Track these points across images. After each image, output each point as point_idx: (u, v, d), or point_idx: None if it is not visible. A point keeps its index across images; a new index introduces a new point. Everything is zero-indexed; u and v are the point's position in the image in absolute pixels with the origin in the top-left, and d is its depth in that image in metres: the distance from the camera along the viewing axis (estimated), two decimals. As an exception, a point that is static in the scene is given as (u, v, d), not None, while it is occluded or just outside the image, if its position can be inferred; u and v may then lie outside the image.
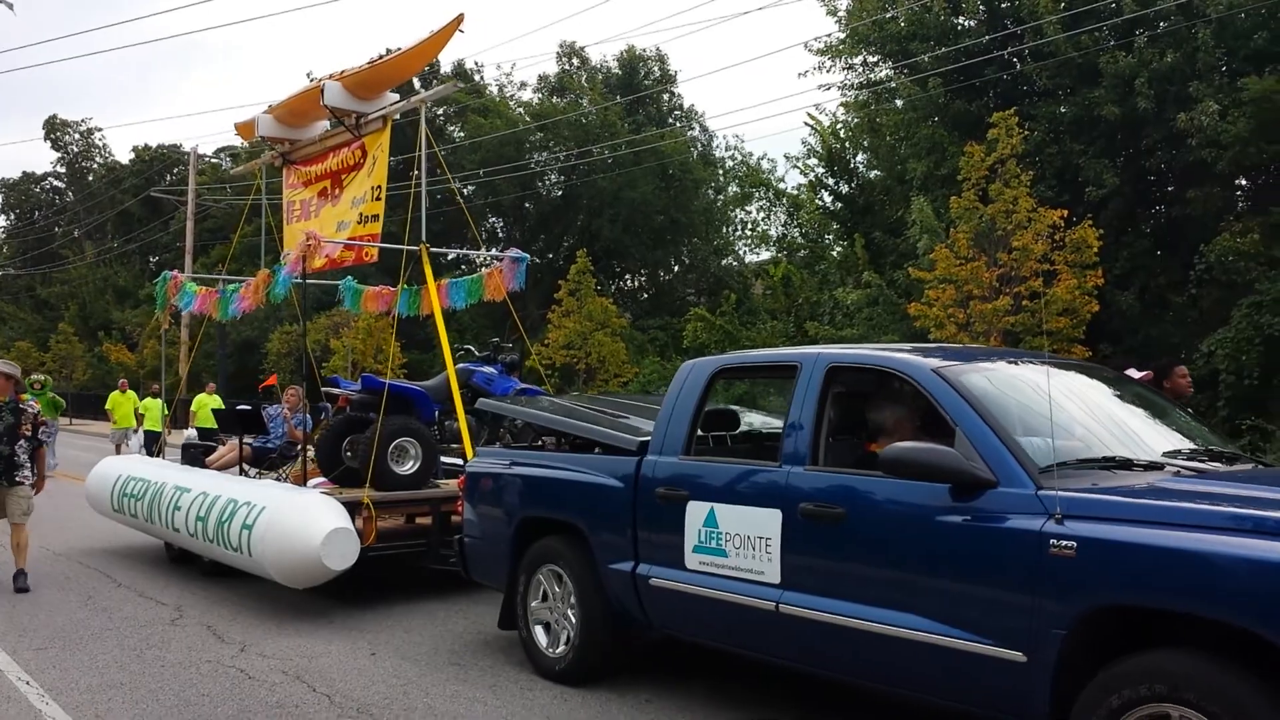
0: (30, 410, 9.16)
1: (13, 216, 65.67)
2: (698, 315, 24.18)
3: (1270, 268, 17.57)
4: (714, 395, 6.06)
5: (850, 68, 23.86)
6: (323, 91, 10.17)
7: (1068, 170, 19.91)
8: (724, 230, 38.84)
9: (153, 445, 18.86)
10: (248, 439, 10.60)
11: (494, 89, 40.65)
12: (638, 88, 38.49)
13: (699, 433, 5.93)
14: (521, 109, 38.68)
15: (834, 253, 25.56)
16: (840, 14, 23.42)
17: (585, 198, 36.08)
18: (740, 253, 38.19)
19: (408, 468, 8.60)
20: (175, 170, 49.96)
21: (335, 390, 9.28)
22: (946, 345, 8.68)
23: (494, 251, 11.33)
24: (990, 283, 16.49)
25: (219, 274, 32.17)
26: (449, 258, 31.18)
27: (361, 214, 10.35)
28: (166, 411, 19.24)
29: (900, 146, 22.39)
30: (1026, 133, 18.07)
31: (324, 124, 11.55)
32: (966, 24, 22.08)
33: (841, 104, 24.75)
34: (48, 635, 7.46)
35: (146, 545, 11.19)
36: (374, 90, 10.38)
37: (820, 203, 25.34)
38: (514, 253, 11.01)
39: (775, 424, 6.94)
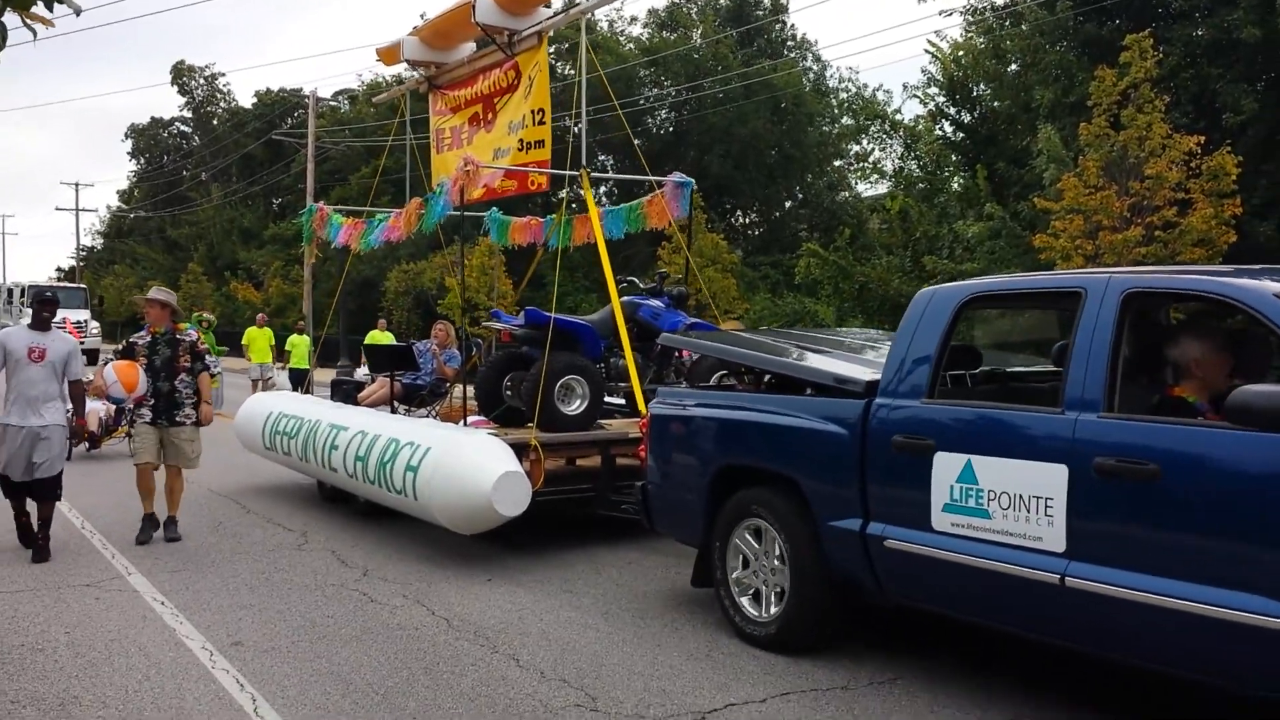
0: (187, 339, 8.32)
1: (143, 160, 67.95)
2: (810, 250, 23.59)
3: None
4: (959, 329, 5.10)
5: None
6: (474, 8, 9.38)
7: (1204, 96, 18.74)
8: (837, 164, 38.05)
9: (300, 383, 18.45)
10: (398, 375, 10.07)
11: (604, 25, 40.34)
12: (748, 19, 37.68)
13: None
14: (631, 44, 38.33)
15: (954, 185, 24.76)
16: (964, -66, 22.51)
17: (696, 133, 35.37)
18: (855, 187, 37.41)
19: (575, 407, 7.92)
20: (296, 114, 50.83)
21: (496, 325, 8.64)
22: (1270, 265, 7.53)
23: (658, 177, 10.26)
24: (1121, 212, 15.65)
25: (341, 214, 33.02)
26: (607, 185, 29.93)
27: (522, 140, 9.53)
28: (314, 348, 19.38)
29: (1026, 73, 21.35)
30: (1161, 56, 17.06)
31: (471, 45, 10.79)
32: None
33: (964, 30, 23.87)
34: (181, 558, 7.62)
35: (275, 476, 11.38)
36: (528, 4, 9.59)
37: (941, 133, 24.53)
38: (677, 176, 10.00)
39: (1017, 364, 6.21)
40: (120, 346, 8.55)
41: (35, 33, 3.63)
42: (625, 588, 6.81)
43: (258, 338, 21.34)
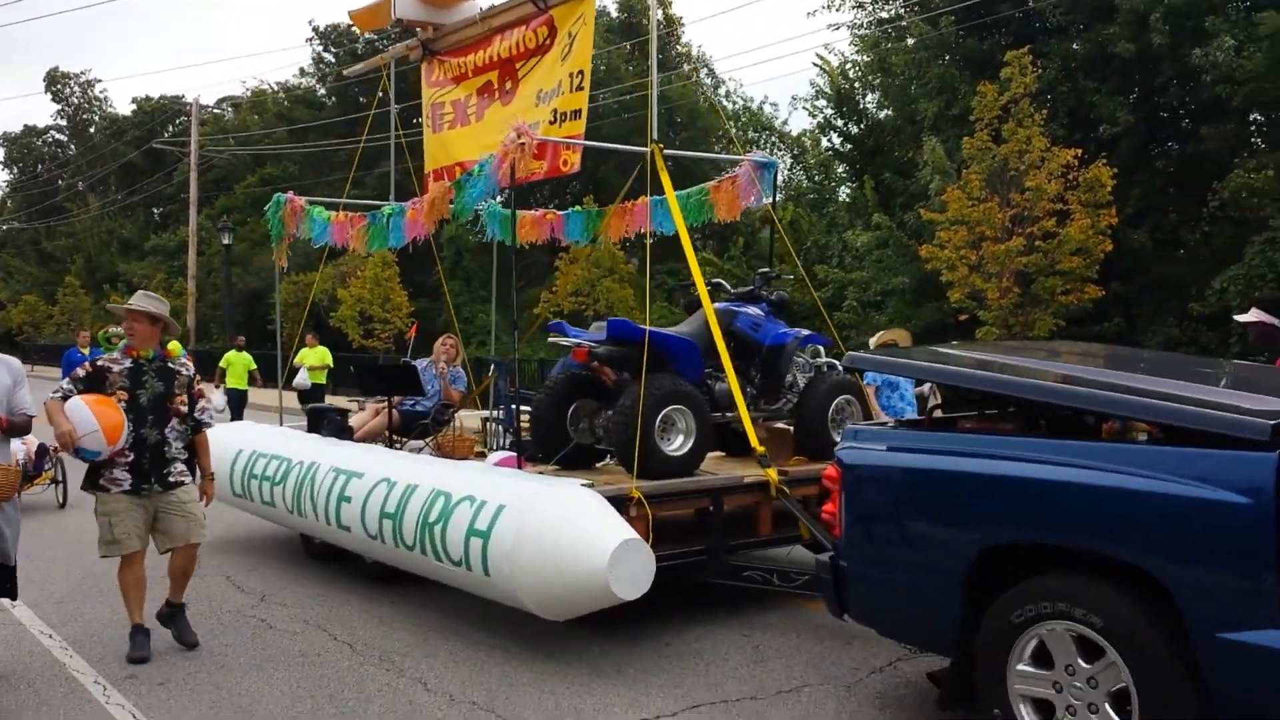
0: (184, 372, 5.95)
1: (16, 170, 65.24)
2: (705, 259, 24.00)
3: (1284, 204, 17.38)
4: None
5: (860, 5, 23.45)
6: None
7: (1081, 109, 19.53)
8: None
9: (239, 406, 17.28)
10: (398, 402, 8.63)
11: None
12: (640, 31, 37.98)
13: None
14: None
15: (842, 195, 25.36)
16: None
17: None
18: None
19: (677, 445, 6.31)
20: (177, 121, 49.43)
21: (565, 340, 6.78)
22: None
23: (736, 156, 8.65)
24: (1003, 223, 16.23)
25: (226, 224, 32.20)
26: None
27: (556, 111, 7.79)
28: (254, 366, 17.92)
29: (911, 86, 22.03)
30: (1040, 71, 17.73)
31: (476, 3, 9.03)
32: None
33: (851, 43, 24.45)
34: (67, 588, 7.29)
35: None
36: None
37: (829, 144, 25.09)
38: (758, 156, 8.44)
39: None
40: (82, 371, 5.79)
41: None
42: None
43: (236, 362, 19.01)
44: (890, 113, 23.47)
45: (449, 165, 8.92)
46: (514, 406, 7.36)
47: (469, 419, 9.54)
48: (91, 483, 5.72)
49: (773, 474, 6.29)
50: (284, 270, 9.63)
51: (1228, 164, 18.19)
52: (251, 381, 18.10)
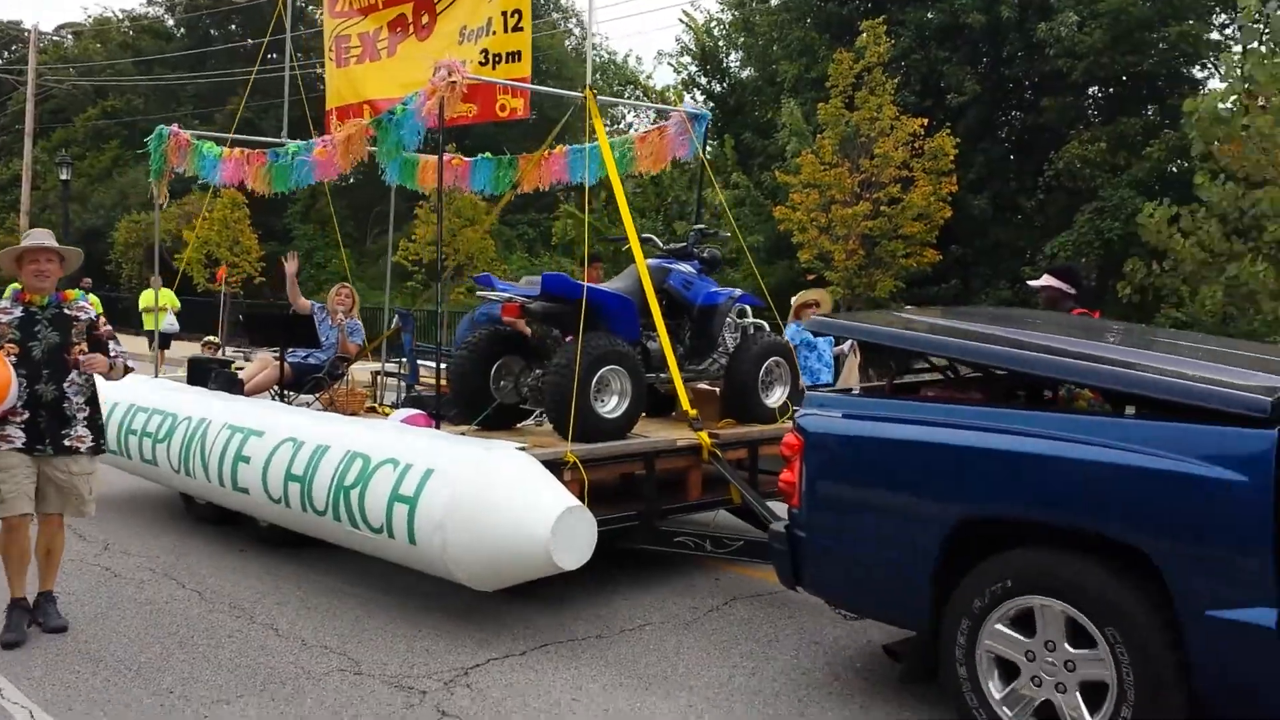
0: (83, 316, 5.33)
1: None
2: (567, 212, 24.00)
3: (1113, 175, 18.46)
4: None
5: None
6: None
7: (932, 76, 20.27)
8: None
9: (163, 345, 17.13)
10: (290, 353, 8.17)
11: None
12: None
13: None
14: None
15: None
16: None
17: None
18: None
19: (611, 407, 6.12)
20: (13, 48, 46.51)
21: (492, 294, 6.52)
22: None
23: (666, 107, 8.38)
24: (852, 188, 16.92)
25: (64, 158, 30.57)
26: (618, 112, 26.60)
27: (488, 51, 7.40)
28: (178, 305, 17.78)
29: (773, 47, 22.49)
30: (893, 41, 18.38)
31: None
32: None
33: (718, 1, 24.72)
34: None
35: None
36: None
37: (691, 100, 25.35)
38: (689, 107, 8.09)
39: None
40: None
41: None
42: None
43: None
44: (752, 72, 23.87)
45: (356, 103, 8.55)
46: (416, 361, 7.29)
47: (359, 373, 9.37)
48: None
49: (705, 438, 6.20)
50: (163, 205, 9.05)
51: (1065, 135, 19.21)
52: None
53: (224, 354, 11.37)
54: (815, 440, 4.46)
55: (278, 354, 8.12)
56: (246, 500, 6.50)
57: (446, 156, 8.84)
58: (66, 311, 5.27)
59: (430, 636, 5.25)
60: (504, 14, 7.38)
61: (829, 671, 4.89)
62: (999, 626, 3.84)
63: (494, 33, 7.43)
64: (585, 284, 6.20)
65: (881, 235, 16.67)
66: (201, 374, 8.40)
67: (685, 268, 7.09)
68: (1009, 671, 3.86)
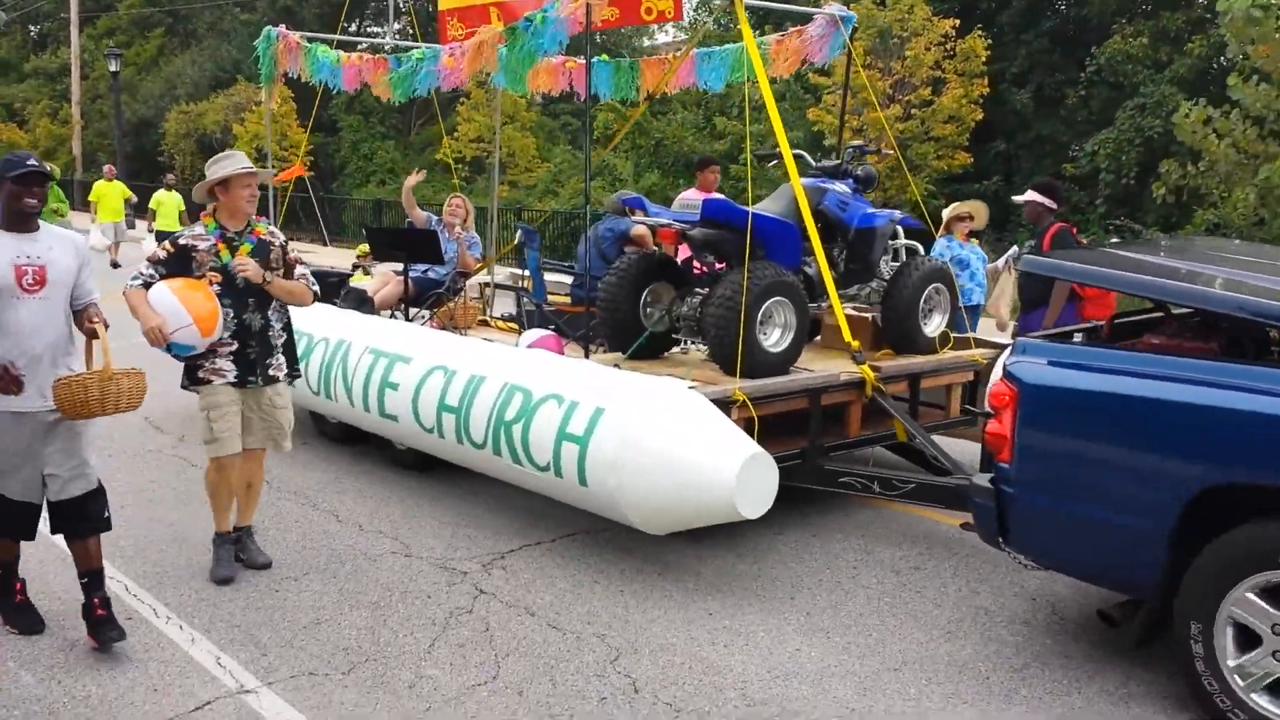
0: (277, 242, 5.14)
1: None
2: (609, 106, 24.23)
3: (1156, 71, 18.33)
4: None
5: None
6: None
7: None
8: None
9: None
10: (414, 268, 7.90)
11: None
12: None
13: None
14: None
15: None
16: None
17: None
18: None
19: (775, 340, 5.87)
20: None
21: (642, 219, 6.30)
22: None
23: (810, 9, 7.85)
24: (884, 90, 17.02)
25: (112, 49, 30.94)
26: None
27: None
28: (183, 207, 17.93)
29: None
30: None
31: None
32: None
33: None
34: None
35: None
36: None
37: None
38: (836, 7, 7.35)
39: None
40: (162, 252, 5.04)
41: None
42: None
43: (108, 193, 18.52)
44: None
45: (478, 4, 7.89)
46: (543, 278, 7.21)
47: (471, 286, 9.08)
48: (191, 378, 5.07)
49: (869, 372, 5.94)
50: (272, 111, 8.84)
51: (1107, 29, 19.01)
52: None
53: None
54: (1032, 392, 4.17)
55: (399, 270, 7.90)
56: (394, 427, 6.39)
57: (561, 58, 8.52)
58: (264, 238, 5.09)
59: (472, 525, 5.93)
60: None
61: (1046, 629, 4.69)
62: (1249, 595, 3.65)
63: None
64: (750, 210, 5.87)
65: (913, 138, 16.81)
66: (331, 291, 8.13)
67: (841, 187, 6.65)
68: (1248, 641, 3.70)
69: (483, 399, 5.62)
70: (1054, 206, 6.99)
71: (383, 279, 8.30)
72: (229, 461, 5.10)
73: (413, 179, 8.54)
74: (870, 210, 6.67)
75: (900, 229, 6.81)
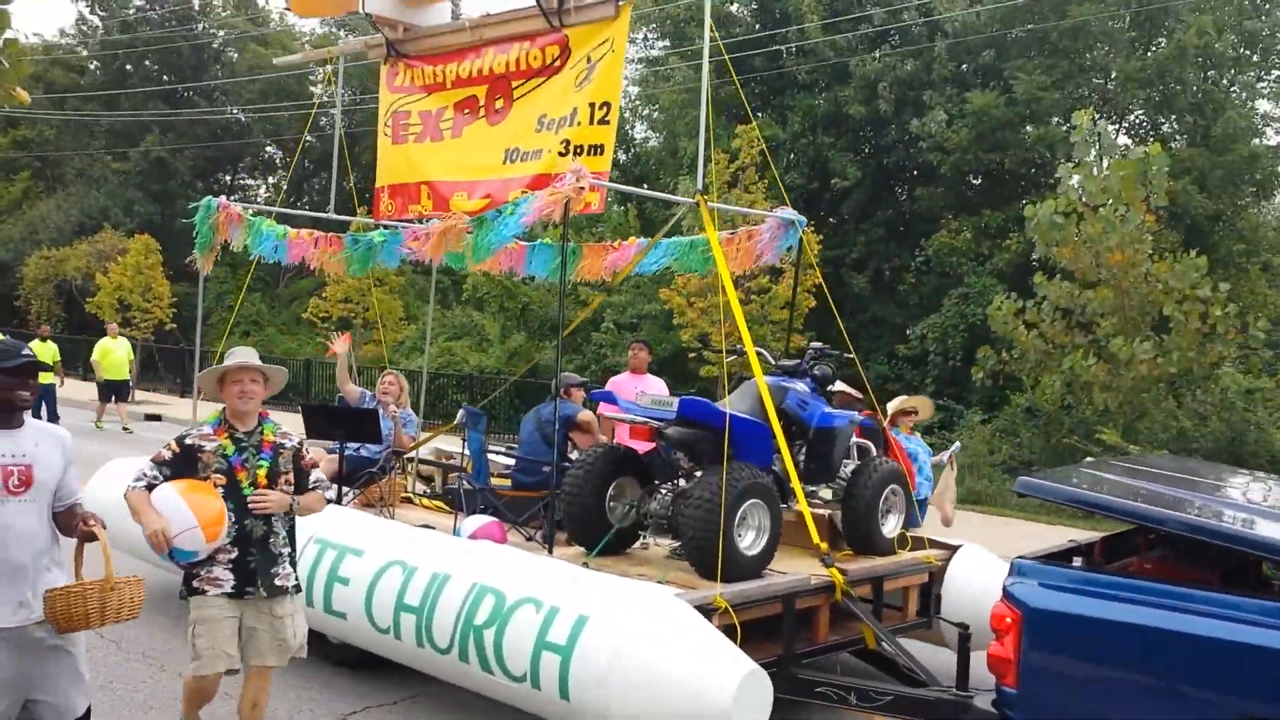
0: (289, 444, 4.88)
1: None
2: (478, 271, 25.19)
3: (978, 263, 20.24)
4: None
5: (633, 41, 25.25)
6: None
7: (819, 160, 21.99)
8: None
9: (119, 395, 17.86)
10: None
11: (276, 18, 39.91)
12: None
13: None
14: (305, 41, 38.12)
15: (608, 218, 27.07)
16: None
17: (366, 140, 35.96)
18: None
19: (750, 543, 5.72)
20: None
21: (613, 414, 6.25)
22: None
23: (763, 212, 8.29)
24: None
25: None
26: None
27: (568, 142, 7.01)
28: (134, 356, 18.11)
29: (675, 123, 24.00)
30: (779, 129, 19.92)
31: (447, 6, 8.30)
32: (739, 10, 23.80)
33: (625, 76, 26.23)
34: None
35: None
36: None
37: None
38: (786, 213, 7.63)
39: None
40: (167, 452, 4.75)
41: None
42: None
43: (112, 351, 18.03)
44: (657, 143, 25.32)
45: (413, 182, 8.18)
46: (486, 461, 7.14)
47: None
48: (188, 586, 4.73)
49: (838, 576, 5.86)
50: (206, 279, 8.68)
51: (935, 223, 20.97)
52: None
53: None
54: (1038, 617, 4.12)
55: (332, 449, 7.48)
56: (341, 625, 5.98)
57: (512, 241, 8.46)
58: (273, 439, 4.84)
59: (318, 687, 6.26)
60: (591, 105, 7.01)
61: None
62: None
63: (579, 124, 7.06)
64: (728, 412, 5.77)
65: (752, 321, 17.93)
66: None
67: (800, 386, 6.72)
68: None
69: (448, 600, 5.31)
70: (860, 397, 7.91)
71: (317, 456, 7.87)
72: (211, 681, 4.78)
73: (341, 346, 8.20)
74: (828, 410, 6.71)
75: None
